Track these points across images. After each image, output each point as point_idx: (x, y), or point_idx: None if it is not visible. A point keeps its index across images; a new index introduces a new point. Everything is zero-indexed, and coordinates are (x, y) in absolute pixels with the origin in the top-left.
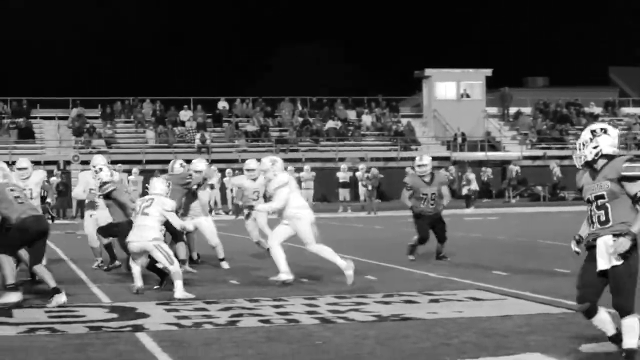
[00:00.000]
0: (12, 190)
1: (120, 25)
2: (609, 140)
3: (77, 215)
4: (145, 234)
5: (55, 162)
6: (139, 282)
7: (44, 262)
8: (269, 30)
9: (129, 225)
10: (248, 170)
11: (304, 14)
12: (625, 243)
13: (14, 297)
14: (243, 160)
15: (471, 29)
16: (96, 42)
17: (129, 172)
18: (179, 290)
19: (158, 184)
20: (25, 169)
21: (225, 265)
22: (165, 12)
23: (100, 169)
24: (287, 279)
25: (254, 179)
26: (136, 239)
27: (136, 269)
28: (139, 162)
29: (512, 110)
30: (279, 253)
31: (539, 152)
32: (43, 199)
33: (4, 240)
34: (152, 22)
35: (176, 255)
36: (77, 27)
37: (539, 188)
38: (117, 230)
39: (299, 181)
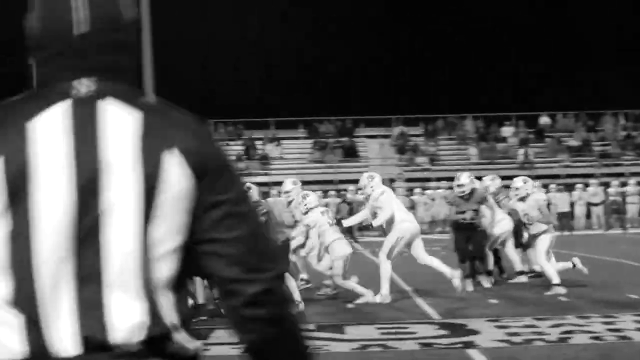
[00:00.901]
0: None
1: (439, 43)
2: None
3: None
4: None
5: None
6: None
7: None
8: (580, 46)
9: None
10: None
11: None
12: None
13: None
14: (567, 176)
15: None
16: (414, 60)
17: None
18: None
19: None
20: (288, 192)
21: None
22: (480, 30)
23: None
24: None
25: (522, 199)
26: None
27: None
28: None
29: None
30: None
31: None
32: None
33: None
34: (477, 40)
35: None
36: (390, 47)
37: None
38: None
39: (624, 196)
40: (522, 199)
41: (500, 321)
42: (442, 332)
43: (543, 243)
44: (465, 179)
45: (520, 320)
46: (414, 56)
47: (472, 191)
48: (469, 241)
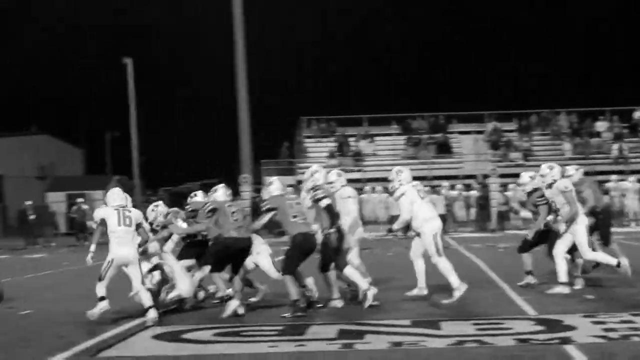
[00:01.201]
0: (230, 206)
1: (536, 38)
2: None
3: (496, 229)
4: None
5: (473, 176)
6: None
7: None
8: None
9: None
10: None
11: None
12: None
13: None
14: None
15: None
16: (510, 55)
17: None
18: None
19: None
20: (332, 182)
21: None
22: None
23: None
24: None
25: (550, 186)
26: None
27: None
28: None
29: None
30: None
31: None
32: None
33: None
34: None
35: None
36: (485, 42)
37: None
38: None
39: None
40: (550, 186)
41: (596, 317)
42: (539, 327)
43: (581, 235)
44: (525, 178)
45: (617, 316)
46: (507, 51)
47: (534, 191)
48: (540, 238)
